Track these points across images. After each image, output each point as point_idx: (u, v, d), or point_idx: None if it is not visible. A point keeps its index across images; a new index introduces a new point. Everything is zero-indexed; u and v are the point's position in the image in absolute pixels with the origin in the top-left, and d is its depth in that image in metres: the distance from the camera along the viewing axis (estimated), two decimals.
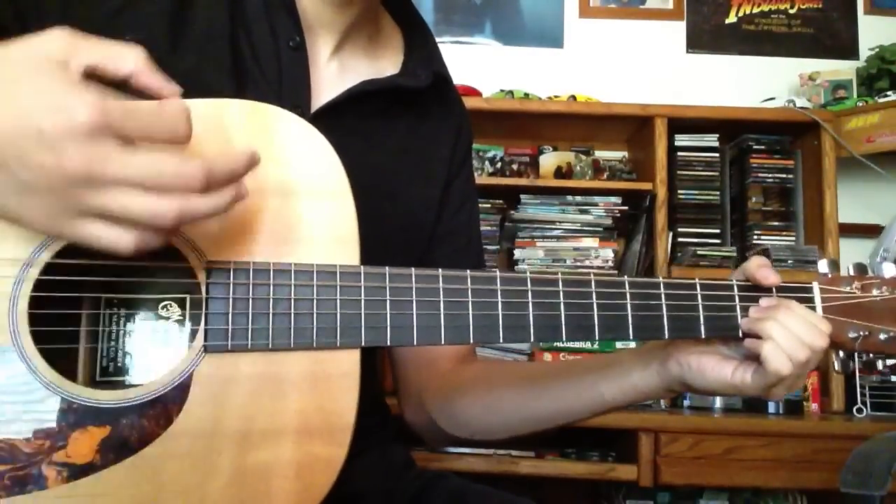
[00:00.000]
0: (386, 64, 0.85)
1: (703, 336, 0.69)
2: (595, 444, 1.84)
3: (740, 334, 0.70)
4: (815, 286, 0.74)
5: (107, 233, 0.49)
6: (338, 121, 0.77)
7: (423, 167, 0.86)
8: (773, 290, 0.72)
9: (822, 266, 0.75)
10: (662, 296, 0.68)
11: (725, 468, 1.73)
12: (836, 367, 0.74)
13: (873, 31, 2.42)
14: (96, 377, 0.63)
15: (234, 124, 0.61)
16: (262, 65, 0.75)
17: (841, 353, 0.75)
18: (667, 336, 0.68)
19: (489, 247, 2.13)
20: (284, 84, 0.76)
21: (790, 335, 0.66)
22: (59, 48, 0.50)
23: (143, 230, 0.49)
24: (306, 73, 0.77)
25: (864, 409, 1.89)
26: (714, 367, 0.70)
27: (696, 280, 0.70)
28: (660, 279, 0.69)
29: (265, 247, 0.61)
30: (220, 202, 0.51)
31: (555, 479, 1.79)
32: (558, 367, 0.83)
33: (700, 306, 0.69)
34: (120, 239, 0.49)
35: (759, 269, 0.71)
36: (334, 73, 0.80)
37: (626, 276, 0.68)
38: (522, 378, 0.82)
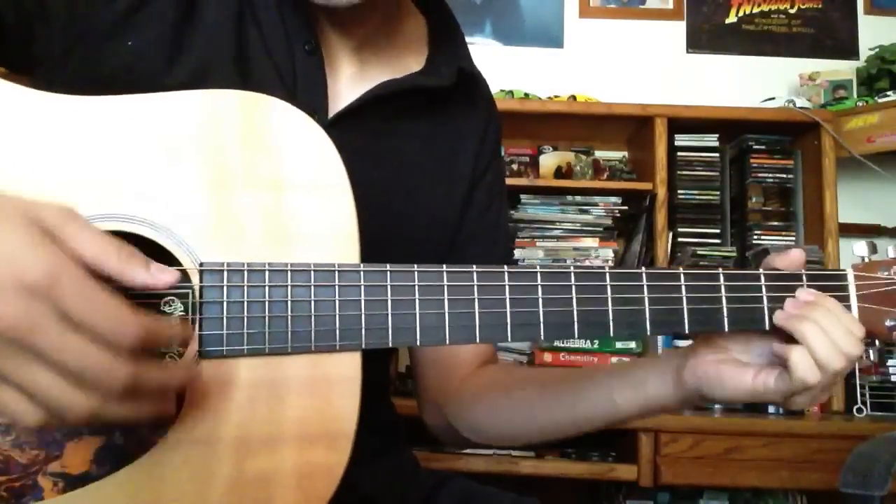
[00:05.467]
0: (409, 61, 0.82)
1: (727, 329, 0.66)
2: (595, 444, 1.84)
3: (767, 327, 0.66)
4: (850, 273, 0.68)
5: (14, 404, 0.45)
6: (357, 125, 0.75)
7: (448, 165, 0.84)
8: (804, 279, 0.67)
9: (859, 248, 0.69)
10: (683, 287, 0.65)
11: (725, 468, 1.73)
12: (872, 358, 0.70)
13: (873, 31, 2.42)
14: None
15: (226, 115, 0.59)
16: (280, 69, 0.73)
17: (877, 343, 0.69)
18: (686, 329, 0.65)
19: None
20: (300, 89, 0.74)
21: (828, 342, 0.63)
22: (51, 217, 0.47)
23: (52, 416, 0.46)
24: (323, 77, 0.75)
25: (864, 409, 1.89)
26: (734, 375, 0.67)
27: (720, 270, 0.66)
28: (680, 270, 0.66)
29: (261, 246, 0.58)
30: (138, 415, 0.48)
31: (555, 479, 1.79)
32: (573, 374, 0.81)
33: (724, 298, 0.66)
34: (25, 415, 0.45)
35: (783, 257, 0.68)
36: (354, 77, 0.78)
37: (643, 269, 0.65)
38: (537, 386, 0.81)
